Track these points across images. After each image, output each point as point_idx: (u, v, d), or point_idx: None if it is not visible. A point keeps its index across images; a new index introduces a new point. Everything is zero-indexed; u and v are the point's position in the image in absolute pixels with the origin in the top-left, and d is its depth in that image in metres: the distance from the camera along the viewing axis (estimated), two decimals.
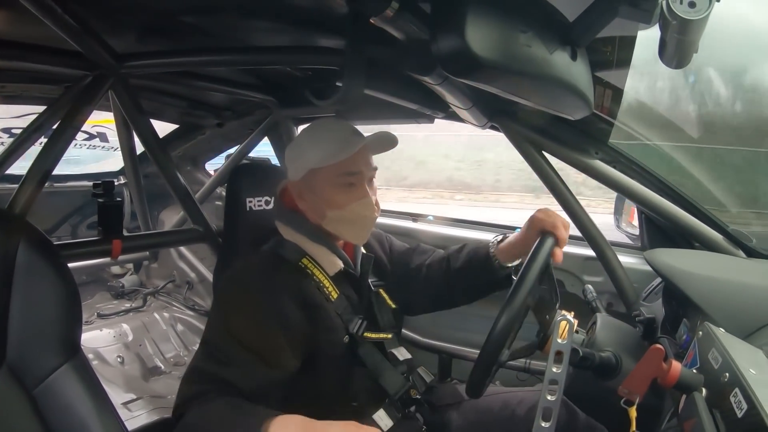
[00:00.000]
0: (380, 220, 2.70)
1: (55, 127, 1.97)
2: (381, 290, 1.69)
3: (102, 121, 3.26)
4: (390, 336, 1.63)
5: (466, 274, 1.69)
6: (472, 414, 1.67)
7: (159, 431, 2.30)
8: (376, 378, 1.53)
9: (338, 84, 1.71)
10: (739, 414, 0.87)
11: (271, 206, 1.89)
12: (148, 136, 2.23)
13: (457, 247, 1.75)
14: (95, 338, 3.01)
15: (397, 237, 1.89)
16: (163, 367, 3.04)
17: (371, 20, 1.01)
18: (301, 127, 2.85)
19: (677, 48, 0.97)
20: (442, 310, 1.88)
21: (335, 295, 1.50)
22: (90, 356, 2.74)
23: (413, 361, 1.68)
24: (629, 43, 1.41)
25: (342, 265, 1.54)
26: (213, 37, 1.75)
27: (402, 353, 1.65)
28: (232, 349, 1.30)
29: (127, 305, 3.54)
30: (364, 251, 1.67)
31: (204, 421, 1.21)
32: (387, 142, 1.54)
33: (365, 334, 1.53)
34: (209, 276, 3.48)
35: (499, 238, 1.66)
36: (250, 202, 1.83)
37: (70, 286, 1.23)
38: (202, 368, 1.29)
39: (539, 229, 1.47)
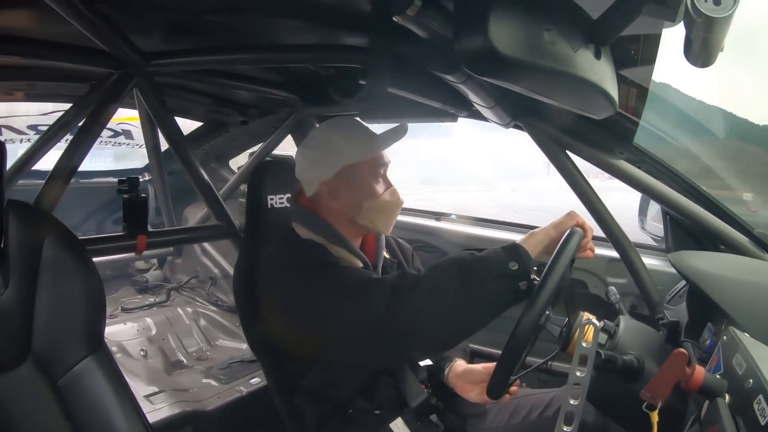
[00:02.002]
0: (404, 218, 2.69)
1: (81, 124, 2.00)
2: None
3: (127, 118, 3.30)
4: None
5: None
6: (499, 416, 1.67)
7: (180, 424, 2.32)
8: (398, 386, 1.53)
9: (362, 82, 1.72)
10: (763, 421, 0.85)
11: None
12: (173, 133, 2.25)
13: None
14: (119, 332, 3.04)
15: (421, 235, 1.89)
16: (185, 361, 3.06)
17: (394, 18, 1.01)
18: None
19: (702, 46, 0.96)
20: None
21: None
22: (114, 349, 2.77)
23: (434, 366, 1.67)
24: (654, 41, 1.38)
25: (361, 265, 1.54)
26: (238, 35, 1.77)
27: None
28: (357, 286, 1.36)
29: (151, 300, 3.56)
30: (387, 256, 1.67)
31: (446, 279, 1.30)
32: (403, 133, 1.55)
33: None
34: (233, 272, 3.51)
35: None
36: (272, 199, 1.83)
37: (94, 280, 1.25)
38: (374, 297, 1.30)
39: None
